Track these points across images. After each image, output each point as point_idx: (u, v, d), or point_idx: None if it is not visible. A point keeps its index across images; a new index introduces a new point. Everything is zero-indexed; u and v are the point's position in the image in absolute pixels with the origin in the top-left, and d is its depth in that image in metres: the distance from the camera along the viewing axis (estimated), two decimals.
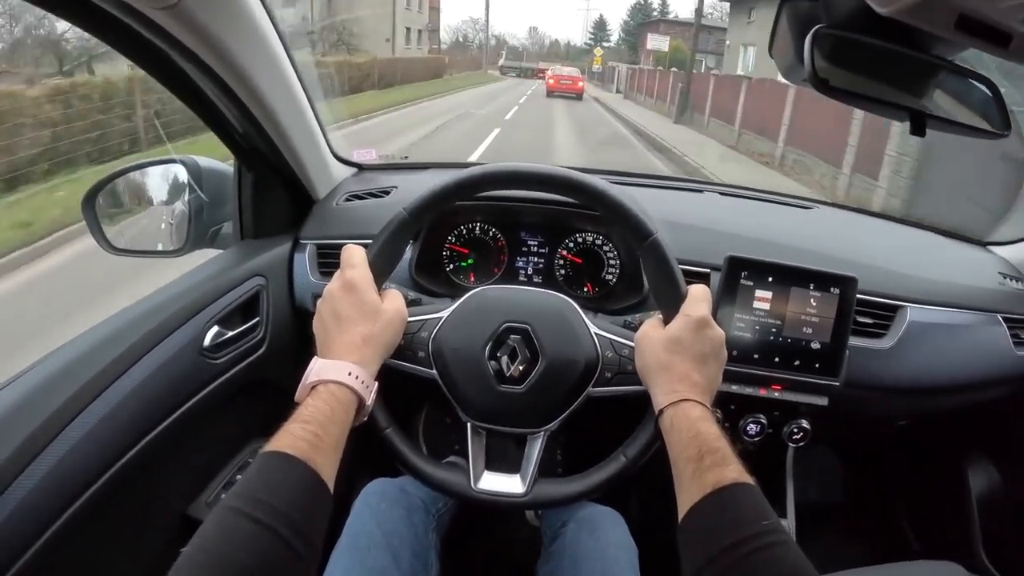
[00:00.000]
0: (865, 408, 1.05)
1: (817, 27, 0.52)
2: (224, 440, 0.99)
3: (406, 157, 1.49)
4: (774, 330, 0.89)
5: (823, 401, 0.92)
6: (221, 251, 1.05)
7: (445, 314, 0.78)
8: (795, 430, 0.96)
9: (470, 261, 1.11)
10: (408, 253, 1.01)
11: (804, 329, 0.89)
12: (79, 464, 0.67)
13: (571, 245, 1.09)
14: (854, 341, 0.94)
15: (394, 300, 0.73)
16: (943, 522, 1.31)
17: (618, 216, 0.74)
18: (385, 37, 28.78)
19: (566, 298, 0.81)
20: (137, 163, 1.07)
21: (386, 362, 0.72)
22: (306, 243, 1.06)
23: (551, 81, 25.74)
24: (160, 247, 1.08)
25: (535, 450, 0.76)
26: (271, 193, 1.05)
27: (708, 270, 0.99)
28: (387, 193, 1.15)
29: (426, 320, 0.78)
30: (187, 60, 0.75)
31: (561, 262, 1.10)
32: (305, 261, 1.05)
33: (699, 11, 18.37)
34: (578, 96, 24.92)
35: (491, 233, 1.11)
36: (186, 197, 1.06)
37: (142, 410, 0.76)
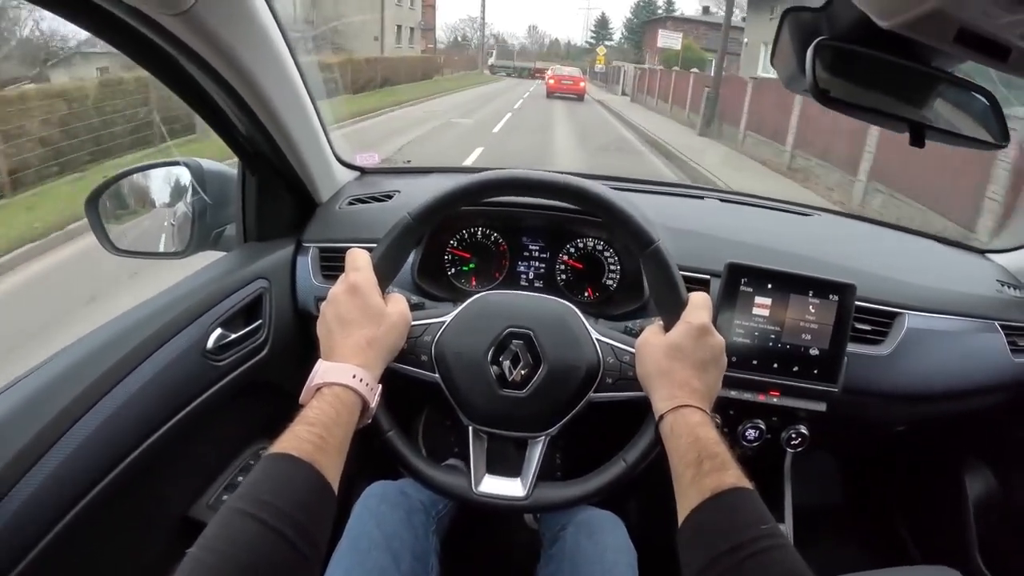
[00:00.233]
0: (863, 414, 1.06)
1: (819, 39, 0.52)
2: (226, 442, 0.99)
3: (408, 161, 1.50)
4: (773, 336, 0.90)
5: (821, 407, 0.93)
6: (224, 253, 1.05)
7: (448, 318, 0.78)
8: (793, 435, 0.97)
9: (471, 266, 1.11)
10: (411, 257, 1.02)
11: (803, 336, 0.90)
12: (82, 465, 0.67)
13: (572, 250, 1.10)
14: (852, 348, 0.94)
15: (398, 304, 0.73)
16: (940, 527, 1.31)
17: (620, 223, 0.74)
18: (374, 35, 27.11)
19: (568, 304, 0.81)
20: (140, 165, 1.07)
21: (389, 365, 0.72)
22: (309, 246, 1.07)
23: (551, 81, 24.76)
24: (163, 249, 1.09)
25: (536, 454, 0.76)
26: (274, 196, 1.06)
27: (708, 276, 0.99)
28: (390, 197, 1.15)
29: (429, 324, 0.78)
30: (195, 65, 0.75)
31: (562, 267, 1.10)
32: (308, 264, 1.05)
33: (730, 2, 15.04)
34: (579, 97, 23.96)
35: (493, 238, 1.11)
36: (189, 199, 1.06)
37: (145, 412, 0.76)
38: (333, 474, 0.58)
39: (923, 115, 0.59)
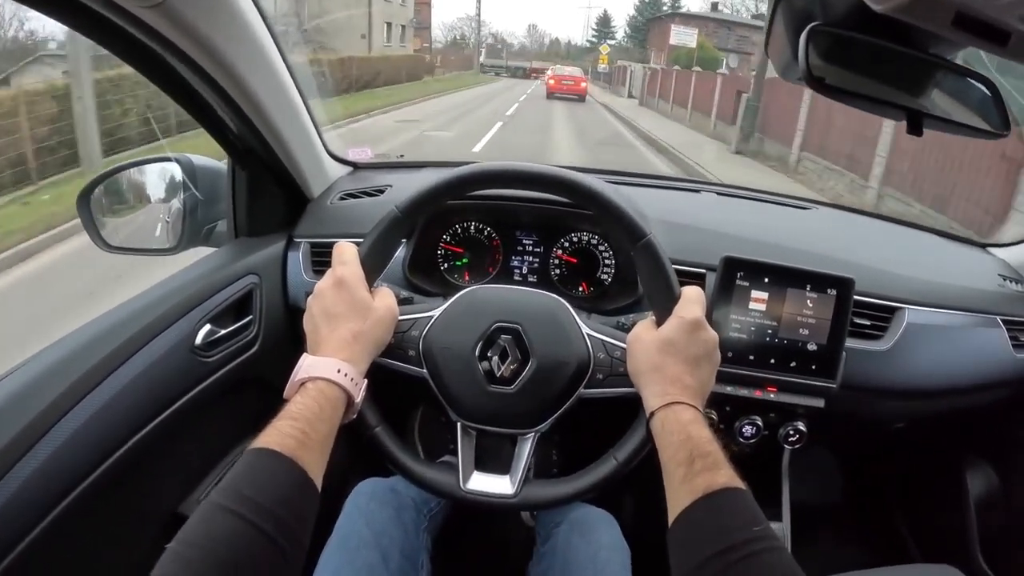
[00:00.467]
0: (862, 410, 1.04)
1: (812, 24, 0.51)
2: (216, 438, 0.99)
3: (402, 156, 1.49)
4: (770, 331, 0.88)
5: (819, 403, 0.92)
6: (215, 249, 1.04)
7: (436, 313, 0.78)
8: (791, 432, 0.95)
9: (465, 260, 1.10)
10: (401, 252, 1.01)
11: (800, 330, 0.88)
12: (70, 460, 0.67)
13: (566, 245, 1.09)
14: (851, 343, 0.93)
15: (385, 298, 0.72)
16: (941, 525, 1.30)
17: (611, 216, 0.73)
18: (360, 33, 24.82)
19: (558, 298, 0.80)
20: (132, 161, 1.06)
21: (376, 360, 0.72)
22: (300, 241, 1.06)
23: (551, 82, 23.91)
24: (154, 245, 1.08)
25: (525, 451, 0.76)
26: (265, 191, 1.05)
27: (704, 271, 0.98)
28: (382, 192, 1.14)
29: (417, 319, 0.77)
30: (178, 59, 0.74)
31: (556, 262, 1.09)
32: (299, 259, 1.04)
33: None
34: (580, 98, 23.07)
35: (486, 232, 1.10)
36: (181, 195, 1.05)
37: (133, 407, 0.75)
38: (316, 470, 0.57)
39: (921, 103, 0.57)
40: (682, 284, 0.72)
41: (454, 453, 0.79)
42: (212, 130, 0.93)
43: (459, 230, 1.10)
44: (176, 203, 1.06)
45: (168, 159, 1.05)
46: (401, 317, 0.75)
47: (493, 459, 0.79)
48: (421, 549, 0.89)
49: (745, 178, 7.57)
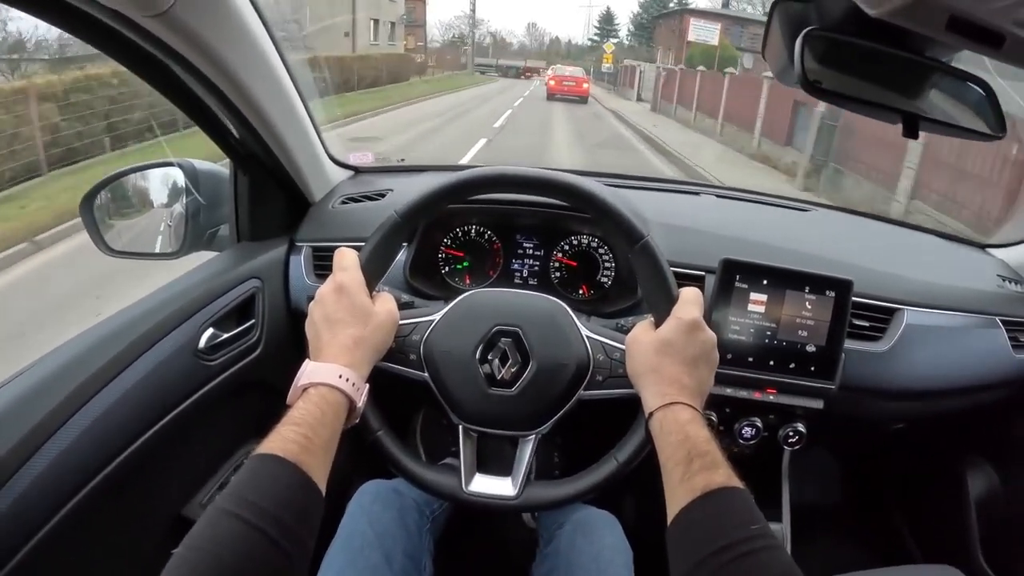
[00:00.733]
0: (862, 411, 1.04)
1: (808, 29, 0.52)
2: (219, 441, 0.99)
3: (402, 160, 1.50)
4: (769, 333, 0.89)
5: (819, 404, 0.92)
6: (217, 253, 1.05)
7: (436, 317, 0.78)
8: (791, 433, 0.96)
9: (465, 264, 1.11)
10: (402, 256, 1.02)
11: (799, 332, 0.89)
12: (74, 464, 0.67)
13: (566, 248, 1.09)
14: (850, 344, 0.93)
15: (385, 303, 0.73)
16: (941, 526, 1.30)
17: (609, 219, 0.74)
18: (344, 31, 22.41)
19: (557, 301, 0.80)
20: (134, 166, 1.07)
21: (378, 365, 0.72)
22: (302, 246, 1.07)
23: (551, 82, 22.33)
24: (157, 249, 1.09)
25: (526, 453, 0.76)
26: (267, 196, 1.05)
27: (703, 273, 0.98)
28: (383, 196, 1.15)
29: (418, 323, 0.78)
30: (181, 66, 0.75)
31: (556, 265, 1.10)
32: (301, 264, 1.05)
33: None
34: (582, 99, 21.45)
35: (486, 236, 1.11)
36: (183, 200, 1.06)
37: (137, 411, 0.76)
38: (320, 474, 0.57)
39: (917, 106, 0.58)
40: (681, 286, 0.73)
41: (456, 455, 0.79)
42: (214, 135, 0.93)
43: (460, 234, 1.10)
44: (178, 207, 1.07)
45: (171, 164, 1.05)
46: (402, 321, 0.76)
47: (494, 461, 0.79)
48: (424, 550, 0.89)
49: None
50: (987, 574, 1.16)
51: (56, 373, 0.70)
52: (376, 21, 26.10)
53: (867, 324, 0.98)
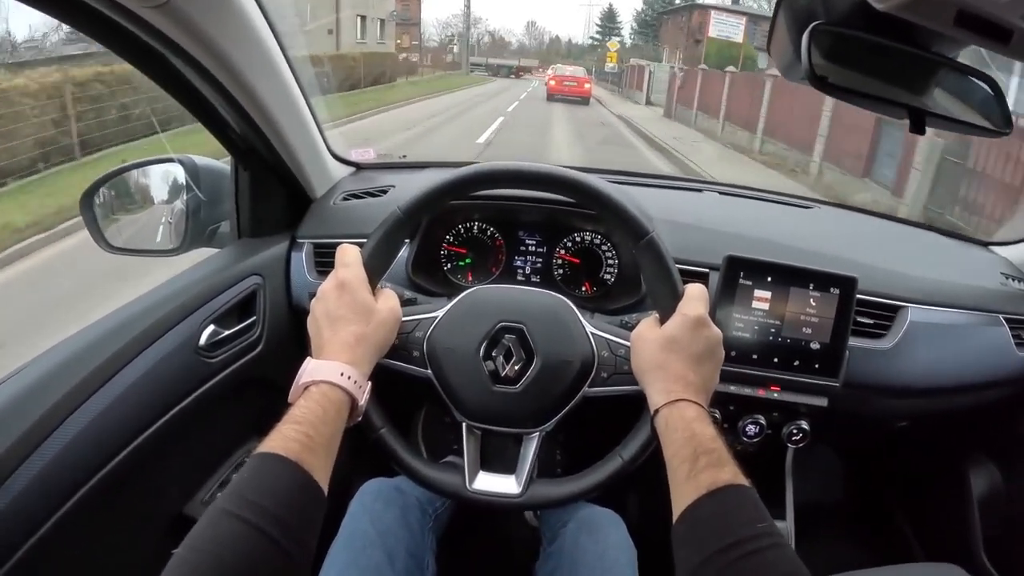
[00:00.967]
0: (865, 409, 1.04)
1: (815, 23, 0.51)
2: (220, 439, 0.99)
3: (404, 156, 1.49)
4: (773, 330, 0.89)
5: (823, 402, 0.92)
6: (218, 250, 1.05)
7: (440, 314, 0.78)
8: (795, 431, 0.95)
9: (468, 260, 1.11)
10: (404, 252, 1.01)
11: (803, 329, 0.88)
12: (74, 461, 0.67)
13: (569, 244, 1.09)
14: (854, 341, 0.93)
15: (388, 300, 0.72)
16: (944, 524, 1.30)
17: (614, 215, 0.73)
18: (328, 28, 19.77)
19: (562, 297, 0.80)
20: (135, 162, 1.07)
21: (380, 362, 0.72)
22: (303, 242, 1.06)
23: (552, 83, 21.07)
24: (158, 246, 1.09)
25: (530, 450, 0.76)
26: (268, 192, 1.05)
27: (707, 270, 0.98)
28: (384, 192, 1.15)
29: (420, 320, 0.77)
30: (181, 59, 0.74)
31: (559, 262, 1.10)
32: (302, 260, 1.05)
33: None
34: (584, 100, 20.12)
35: (489, 232, 1.10)
36: (184, 196, 1.06)
37: (137, 408, 0.76)
38: (321, 473, 0.57)
39: (923, 101, 0.57)
40: (685, 283, 0.72)
41: (458, 453, 0.79)
42: (215, 130, 0.93)
43: (462, 230, 1.10)
44: (179, 204, 1.07)
45: (171, 160, 1.05)
46: (405, 318, 0.75)
47: (498, 459, 0.79)
48: (426, 549, 0.89)
49: None
50: (990, 572, 1.16)
51: (56, 370, 0.70)
52: (363, 18, 23.81)
53: (871, 321, 0.98)
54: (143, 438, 0.75)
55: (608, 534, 0.89)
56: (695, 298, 0.70)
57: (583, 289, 1.09)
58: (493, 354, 0.75)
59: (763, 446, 0.97)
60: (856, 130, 7.38)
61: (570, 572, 0.84)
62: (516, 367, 0.75)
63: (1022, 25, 0.42)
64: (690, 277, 0.95)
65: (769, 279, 0.88)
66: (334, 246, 0.76)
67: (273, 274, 1.01)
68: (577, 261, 1.09)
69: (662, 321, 0.71)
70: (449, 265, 1.10)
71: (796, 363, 0.89)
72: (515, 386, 0.75)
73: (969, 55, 0.57)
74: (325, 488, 0.57)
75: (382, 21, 26.47)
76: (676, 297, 0.71)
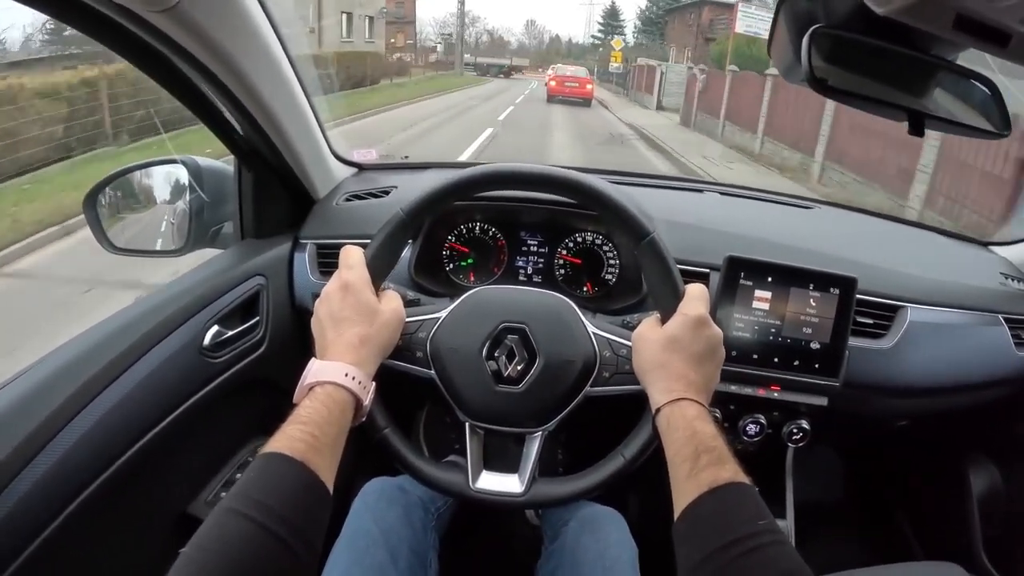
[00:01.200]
0: (865, 409, 1.05)
1: (815, 26, 0.52)
2: (224, 439, 0.99)
3: (406, 157, 1.50)
4: (773, 330, 0.89)
5: (823, 401, 0.92)
6: (221, 251, 1.05)
7: (443, 314, 0.78)
8: (795, 430, 0.96)
9: (470, 261, 1.11)
10: (407, 253, 1.02)
11: (804, 329, 0.89)
12: (79, 462, 0.67)
13: (571, 245, 1.09)
14: (854, 341, 0.93)
15: (391, 300, 0.73)
16: (943, 523, 1.30)
17: (615, 215, 0.74)
18: (309, 26, 18.66)
19: (564, 298, 0.81)
20: (138, 163, 1.07)
21: (384, 363, 0.72)
22: (306, 243, 1.07)
23: (552, 83, 20.04)
24: (161, 246, 1.09)
25: (533, 450, 0.76)
26: (271, 193, 1.05)
27: (707, 270, 0.99)
28: (387, 193, 1.15)
29: (424, 320, 0.78)
30: (186, 62, 0.75)
31: (561, 262, 1.10)
32: (305, 261, 1.05)
33: None
34: (586, 102, 19.08)
35: (491, 233, 1.11)
36: (187, 197, 1.06)
37: (142, 409, 0.76)
38: (327, 473, 0.57)
39: (923, 104, 0.58)
40: (686, 282, 0.73)
41: (460, 452, 0.79)
42: (218, 132, 0.93)
43: (464, 231, 1.10)
44: (182, 205, 1.07)
45: (174, 161, 1.05)
46: (408, 319, 0.76)
47: (500, 458, 0.79)
48: (429, 548, 0.89)
49: None
50: (989, 572, 1.16)
51: (61, 371, 0.70)
52: (349, 15, 22.52)
53: (871, 321, 0.98)
54: (148, 438, 0.76)
55: (609, 532, 0.89)
56: (696, 298, 0.70)
57: (585, 289, 1.09)
58: (496, 354, 0.76)
59: (763, 445, 0.98)
60: (972, 165, 4.95)
61: (571, 570, 0.85)
62: (519, 367, 0.75)
63: (1020, 29, 0.42)
64: (691, 277, 0.95)
65: (769, 279, 0.88)
66: (337, 247, 0.76)
67: (276, 275, 1.02)
68: (579, 261, 1.09)
69: (663, 321, 0.71)
70: (451, 266, 1.11)
71: (796, 363, 0.90)
72: (518, 386, 0.75)
73: (968, 58, 0.58)
74: (330, 488, 0.58)
75: (371, 19, 25.20)
76: (677, 297, 0.71)
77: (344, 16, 22.10)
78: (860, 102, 0.56)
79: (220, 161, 1.10)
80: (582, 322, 0.78)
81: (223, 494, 0.93)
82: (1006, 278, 1.13)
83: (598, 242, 1.08)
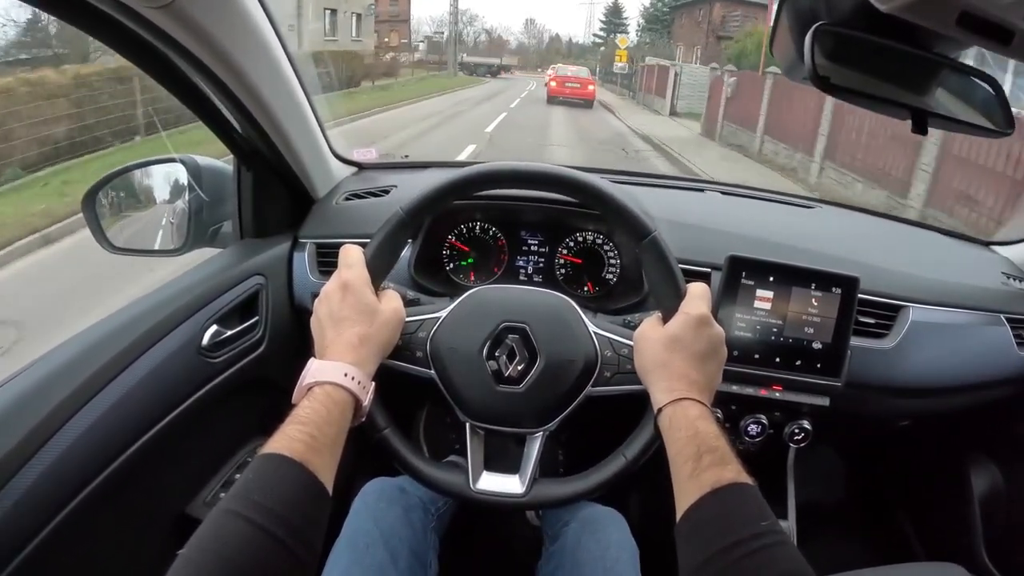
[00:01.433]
0: (867, 409, 1.04)
1: (817, 24, 0.51)
2: (223, 439, 0.99)
3: (406, 156, 1.49)
4: (775, 330, 0.89)
5: (824, 401, 0.92)
6: (221, 250, 1.05)
7: (443, 314, 0.78)
8: (796, 431, 0.96)
9: (470, 260, 1.11)
10: (407, 252, 1.01)
11: (805, 329, 0.89)
12: (77, 462, 0.67)
13: (571, 244, 1.09)
14: (856, 341, 0.93)
15: (391, 300, 0.73)
16: (945, 523, 1.30)
17: (617, 214, 0.74)
18: (289, 23, 13.62)
19: (564, 297, 0.80)
20: (137, 162, 1.07)
21: (384, 362, 0.72)
22: (305, 242, 1.06)
23: (553, 84, 19.12)
24: (160, 246, 1.09)
25: (534, 450, 0.76)
26: (271, 192, 1.05)
27: (709, 270, 0.98)
28: (387, 192, 1.15)
29: (424, 320, 0.77)
30: (184, 59, 0.74)
31: (561, 261, 1.10)
32: (304, 260, 1.05)
33: None
34: (587, 103, 18.16)
35: (491, 232, 1.10)
36: (186, 196, 1.06)
37: (140, 408, 0.76)
38: (326, 473, 0.57)
39: (926, 102, 0.58)
40: (687, 282, 0.72)
41: (460, 453, 0.79)
42: (218, 131, 0.93)
43: (464, 230, 1.10)
44: (181, 204, 1.07)
45: (173, 160, 1.05)
46: (408, 318, 0.76)
47: (501, 459, 0.79)
48: (429, 548, 0.89)
49: None
50: (991, 572, 1.16)
51: (59, 371, 0.70)
52: (334, 11, 21.00)
53: (873, 321, 0.98)
54: (146, 438, 0.76)
55: (610, 533, 0.89)
56: (697, 297, 0.70)
57: (585, 289, 1.09)
58: (496, 354, 0.75)
59: (765, 446, 0.97)
60: None
61: (572, 571, 0.84)
62: (519, 367, 0.75)
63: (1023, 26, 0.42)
64: (692, 277, 0.95)
65: (771, 279, 0.88)
66: (337, 246, 0.76)
67: (276, 274, 1.01)
68: (579, 261, 1.09)
69: (665, 320, 0.71)
70: (452, 265, 1.10)
71: (798, 363, 0.89)
72: (518, 386, 0.75)
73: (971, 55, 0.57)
74: (330, 488, 0.57)
75: (358, 16, 23.70)
76: (679, 296, 0.71)
77: (328, 13, 20.70)
78: (863, 100, 0.56)
79: (219, 160, 1.10)
80: (583, 321, 0.78)
81: (222, 495, 0.93)
82: (1008, 278, 1.13)
83: (599, 241, 1.08)
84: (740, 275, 0.88)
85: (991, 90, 0.59)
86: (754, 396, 0.92)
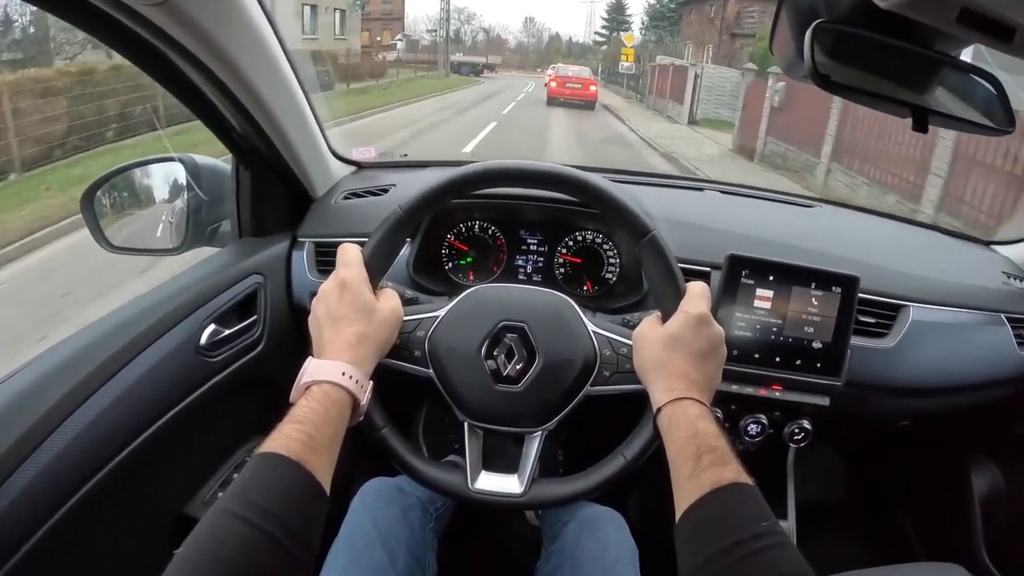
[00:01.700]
0: (867, 408, 1.04)
1: (817, 21, 0.51)
2: (221, 438, 0.99)
3: (405, 155, 1.49)
4: (775, 329, 0.88)
5: (824, 401, 0.92)
6: (219, 249, 1.05)
7: (441, 313, 0.77)
8: (796, 430, 0.95)
9: (469, 259, 1.10)
10: (406, 251, 1.01)
11: (805, 328, 0.88)
12: (75, 461, 0.67)
13: (571, 244, 1.09)
14: (856, 341, 0.93)
15: (389, 299, 0.72)
16: (945, 523, 1.30)
17: (616, 213, 0.73)
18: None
19: (564, 296, 0.80)
20: (136, 161, 1.07)
21: (382, 361, 0.71)
22: (304, 241, 1.06)
23: (553, 84, 18.36)
24: (158, 245, 1.09)
25: (533, 450, 0.75)
26: (269, 191, 1.05)
27: (709, 269, 0.98)
28: (386, 191, 1.14)
29: (422, 319, 0.77)
30: (182, 57, 0.74)
31: (560, 261, 1.09)
32: (303, 259, 1.04)
33: None
34: (589, 104, 17.54)
35: (490, 231, 1.10)
36: (184, 195, 1.06)
37: (138, 408, 0.75)
38: (324, 473, 0.57)
39: (926, 100, 0.57)
40: (687, 281, 0.72)
41: (459, 452, 0.79)
42: (216, 129, 0.93)
43: (463, 229, 1.10)
44: (180, 203, 1.07)
45: (172, 159, 1.05)
46: (406, 318, 0.75)
47: (500, 458, 0.79)
48: (428, 548, 0.89)
49: None
50: (991, 572, 1.16)
51: (56, 369, 0.70)
52: (314, 7, 19.33)
53: (873, 321, 0.98)
54: (144, 438, 0.75)
55: (609, 533, 0.89)
56: (697, 296, 0.70)
57: (585, 288, 1.09)
58: (495, 353, 0.75)
59: (765, 445, 0.97)
60: None
61: (571, 571, 0.84)
62: (518, 366, 0.75)
63: None
64: (692, 276, 0.95)
65: (771, 278, 0.88)
66: (335, 245, 0.76)
67: (274, 273, 1.01)
68: (578, 260, 1.09)
69: (664, 319, 0.70)
70: (450, 264, 1.10)
71: (798, 362, 0.89)
72: (517, 385, 0.74)
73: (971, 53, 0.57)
74: (327, 488, 0.57)
75: (342, 12, 21.99)
76: (678, 295, 0.70)
77: (307, 8, 19.00)
78: (863, 98, 0.56)
79: (218, 159, 1.10)
80: (582, 321, 0.77)
81: (220, 494, 0.93)
82: (1008, 277, 1.13)
83: (598, 241, 1.08)
84: (740, 274, 0.88)
85: (992, 88, 0.59)
86: (754, 396, 0.91)
